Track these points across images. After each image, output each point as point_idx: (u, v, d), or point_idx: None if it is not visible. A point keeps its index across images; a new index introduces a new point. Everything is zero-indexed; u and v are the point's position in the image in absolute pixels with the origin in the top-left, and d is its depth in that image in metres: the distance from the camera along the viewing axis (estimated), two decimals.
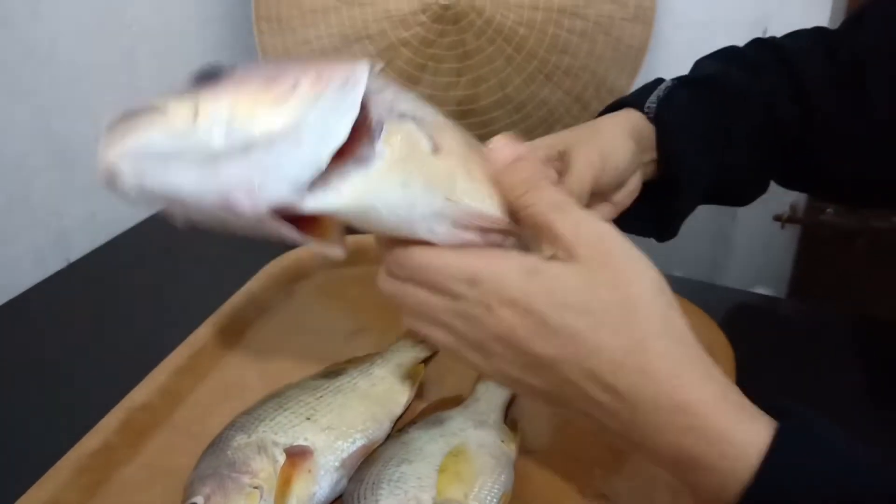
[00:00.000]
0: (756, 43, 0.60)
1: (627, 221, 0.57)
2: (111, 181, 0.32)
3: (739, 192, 0.61)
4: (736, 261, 1.02)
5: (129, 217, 0.80)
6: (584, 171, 0.47)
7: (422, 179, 0.34)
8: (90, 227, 0.79)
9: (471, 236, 0.35)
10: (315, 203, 0.33)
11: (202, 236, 0.78)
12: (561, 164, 0.48)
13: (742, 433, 0.31)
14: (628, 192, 0.52)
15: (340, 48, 0.89)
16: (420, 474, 0.43)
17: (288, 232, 0.34)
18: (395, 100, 0.35)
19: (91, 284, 0.71)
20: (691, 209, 0.58)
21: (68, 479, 0.45)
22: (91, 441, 0.47)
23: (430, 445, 0.46)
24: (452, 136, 0.37)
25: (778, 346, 0.61)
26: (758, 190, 0.61)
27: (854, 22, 0.58)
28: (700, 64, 0.60)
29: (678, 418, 0.32)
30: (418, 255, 0.36)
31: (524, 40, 0.85)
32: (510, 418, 0.51)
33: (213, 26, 0.96)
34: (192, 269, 0.74)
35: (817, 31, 0.59)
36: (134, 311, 0.67)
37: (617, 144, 0.50)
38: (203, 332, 0.58)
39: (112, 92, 0.82)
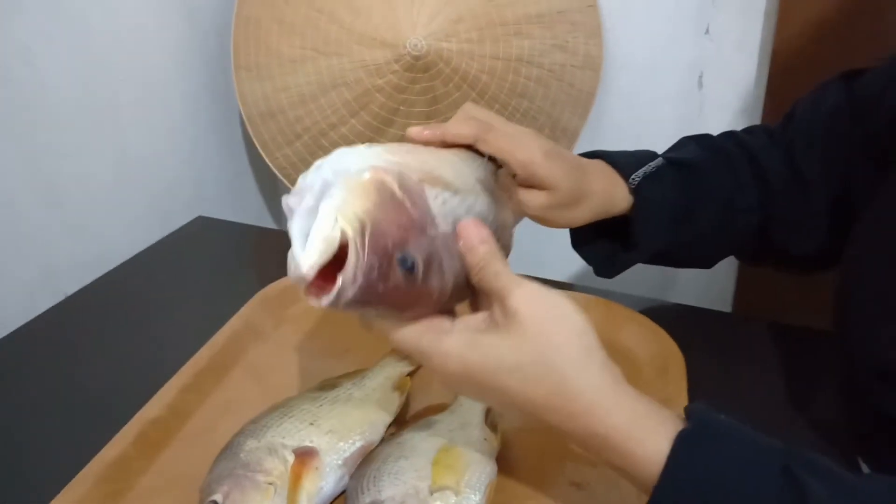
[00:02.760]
0: (727, 136, 0.67)
1: (582, 247, 0.65)
2: None
3: (686, 260, 0.68)
4: (684, 280, 1.11)
5: (118, 254, 0.84)
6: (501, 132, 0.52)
7: None
8: (79, 264, 0.82)
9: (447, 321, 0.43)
10: None
11: (191, 269, 0.83)
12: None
13: (647, 446, 0.39)
14: (583, 209, 0.58)
15: (318, 94, 0.95)
16: (416, 467, 0.49)
17: None
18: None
19: (86, 317, 0.75)
20: (633, 264, 0.64)
21: (91, 488, 0.49)
22: (110, 452, 0.52)
23: (422, 444, 0.52)
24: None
25: (723, 355, 0.68)
26: (704, 261, 0.69)
27: (788, 118, 0.66)
28: (684, 143, 0.67)
29: (596, 441, 0.40)
30: (389, 334, 0.43)
31: (487, 86, 0.93)
32: (490, 420, 0.57)
33: (193, 73, 1.01)
34: (186, 298, 0.78)
35: (769, 129, 0.67)
36: (134, 339, 0.71)
37: (590, 179, 0.58)
38: (204, 354, 0.62)
39: (98, 133, 0.86)
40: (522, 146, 0.53)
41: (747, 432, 0.39)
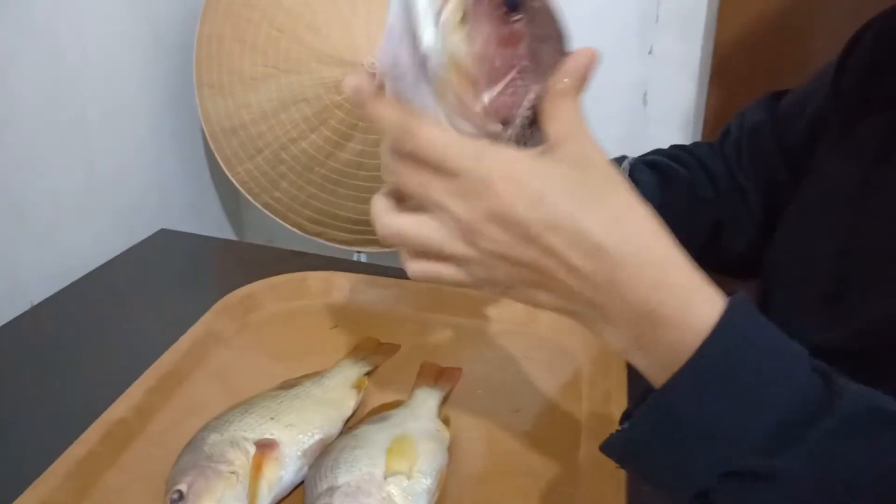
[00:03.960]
0: (676, 147, 0.72)
1: None
2: None
3: None
4: None
5: (84, 265, 0.86)
6: None
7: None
8: (46, 274, 0.84)
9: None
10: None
11: (155, 279, 0.85)
12: None
13: (705, 293, 0.36)
14: None
15: (278, 110, 0.99)
16: (370, 455, 0.52)
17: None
18: None
19: (53, 325, 0.76)
20: None
21: (59, 483, 0.51)
22: (77, 450, 0.54)
23: (377, 435, 0.55)
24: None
25: None
26: None
27: (725, 133, 0.72)
28: (649, 154, 0.73)
29: (655, 272, 0.36)
30: (428, 132, 0.38)
31: None
32: (443, 415, 0.61)
33: (157, 91, 1.04)
34: (150, 307, 0.80)
35: (711, 144, 0.73)
36: (100, 346, 0.73)
37: None
38: (168, 358, 0.65)
39: (66, 149, 0.88)
40: None
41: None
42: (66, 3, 0.85)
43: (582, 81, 0.39)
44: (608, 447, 0.40)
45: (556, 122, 0.38)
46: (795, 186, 0.62)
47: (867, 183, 0.53)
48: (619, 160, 0.68)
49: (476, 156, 0.37)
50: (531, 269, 0.38)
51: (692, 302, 0.36)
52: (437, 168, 0.38)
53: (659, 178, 0.67)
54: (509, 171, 0.37)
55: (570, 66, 0.39)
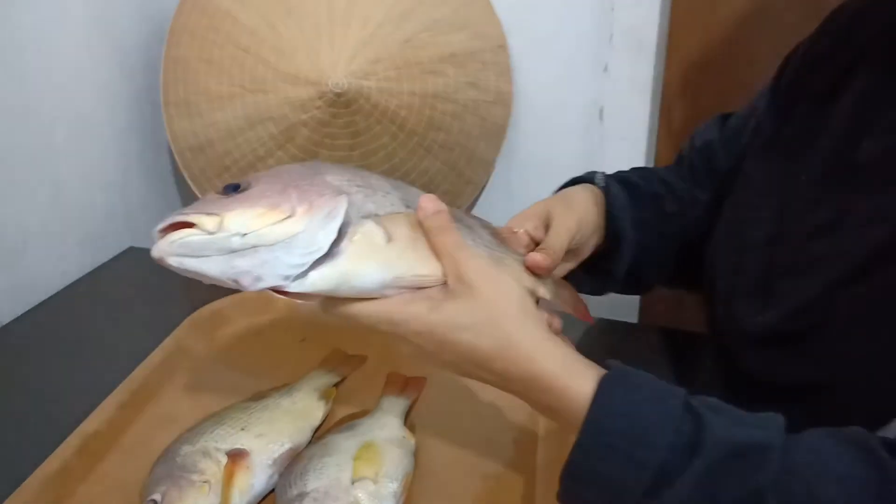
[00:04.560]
0: (639, 169, 0.77)
1: (580, 280, 0.71)
2: (161, 264, 0.46)
3: (643, 276, 0.74)
4: (599, 300, 1.19)
5: (53, 284, 0.87)
6: (563, 234, 0.61)
7: (375, 265, 0.47)
8: (15, 294, 0.85)
9: (411, 291, 0.49)
10: (296, 287, 0.46)
11: (124, 297, 0.87)
12: (543, 229, 0.62)
13: (576, 386, 0.46)
14: (588, 248, 0.66)
15: (245, 129, 1.01)
16: (339, 462, 0.54)
17: (277, 296, 0.47)
18: (364, 201, 0.49)
19: (23, 344, 0.78)
20: (621, 273, 0.70)
21: (35, 495, 0.53)
22: (52, 463, 0.55)
23: (345, 443, 0.57)
24: (403, 224, 0.50)
25: (624, 359, 0.76)
26: (648, 281, 0.76)
27: (680, 157, 0.76)
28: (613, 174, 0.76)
29: (536, 385, 0.47)
30: (350, 309, 0.49)
31: (406, 121, 1.00)
32: (409, 423, 0.63)
33: (124, 111, 1.05)
34: (120, 324, 0.82)
35: (672, 166, 0.77)
36: (71, 363, 0.74)
37: (589, 212, 0.65)
38: (139, 373, 0.66)
39: (32, 172, 0.89)
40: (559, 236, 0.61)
41: (656, 380, 0.46)
42: (31, 25, 0.86)
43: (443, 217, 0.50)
44: (559, 498, 0.47)
45: (448, 262, 0.49)
46: None
47: (787, 176, 0.59)
48: (591, 175, 0.71)
49: (391, 322, 0.49)
50: (465, 374, 0.51)
51: (569, 400, 0.46)
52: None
53: (629, 192, 0.70)
54: (419, 330, 0.48)
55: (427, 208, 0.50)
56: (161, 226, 0.46)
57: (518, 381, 0.48)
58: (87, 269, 0.92)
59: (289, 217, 0.45)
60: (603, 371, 0.47)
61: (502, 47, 1.07)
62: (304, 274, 0.46)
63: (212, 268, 0.45)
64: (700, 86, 1.11)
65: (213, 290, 0.80)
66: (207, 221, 0.45)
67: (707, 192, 0.72)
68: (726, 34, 1.06)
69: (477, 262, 0.50)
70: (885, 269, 0.48)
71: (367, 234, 0.48)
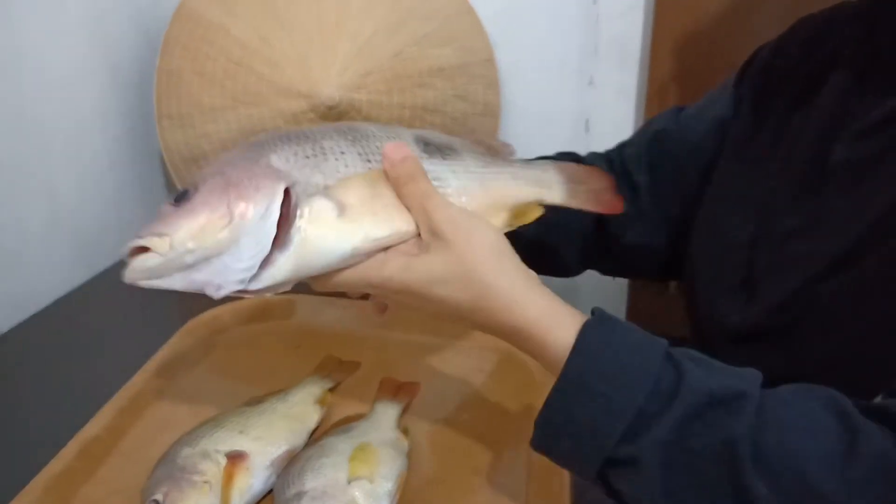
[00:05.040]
0: (559, 154, 0.79)
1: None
2: (133, 284, 0.49)
3: (554, 253, 0.76)
4: (583, 303, 1.22)
5: (49, 294, 0.88)
6: None
7: (331, 241, 0.48)
8: (12, 303, 0.86)
9: (382, 253, 0.50)
10: (257, 286, 0.48)
11: (121, 306, 0.88)
12: None
13: (557, 333, 0.46)
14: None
15: (238, 141, 1.02)
16: (335, 463, 0.56)
17: (248, 296, 0.49)
18: (311, 175, 0.49)
19: (22, 352, 0.79)
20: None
21: (38, 498, 0.54)
22: (55, 466, 0.57)
23: (341, 444, 0.59)
24: (356, 187, 0.49)
25: None
26: (569, 260, 0.78)
27: (621, 146, 0.79)
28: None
29: (515, 333, 0.48)
30: (332, 280, 0.50)
31: None
32: (402, 425, 0.65)
33: (118, 123, 1.07)
34: (117, 332, 0.83)
35: (599, 153, 0.80)
36: (69, 372, 0.76)
37: None
38: (138, 379, 0.68)
39: (27, 183, 0.90)
40: None
41: (638, 329, 0.47)
42: (25, 37, 0.88)
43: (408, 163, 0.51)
44: (532, 444, 0.49)
45: (420, 214, 0.50)
46: (700, 182, 0.70)
47: (764, 179, 0.62)
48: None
49: (369, 284, 0.51)
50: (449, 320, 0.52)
51: (550, 348, 0.47)
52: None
53: None
54: (397, 287, 0.49)
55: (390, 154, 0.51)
56: (125, 251, 0.48)
57: (499, 331, 0.49)
58: (83, 279, 0.93)
59: (229, 223, 0.47)
60: (584, 318, 0.47)
61: (490, 60, 1.09)
62: (259, 272, 0.47)
63: (176, 283, 0.48)
64: (683, 97, 1.15)
65: (208, 298, 0.81)
66: (159, 244, 0.47)
67: (647, 174, 0.74)
68: (709, 46, 1.10)
69: (447, 211, 0.49)
70: (860, 264, 0.50)
71: (315, 212, 0.48)
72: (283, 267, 0.48)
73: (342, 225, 0.48)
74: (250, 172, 0.49)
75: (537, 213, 0.56)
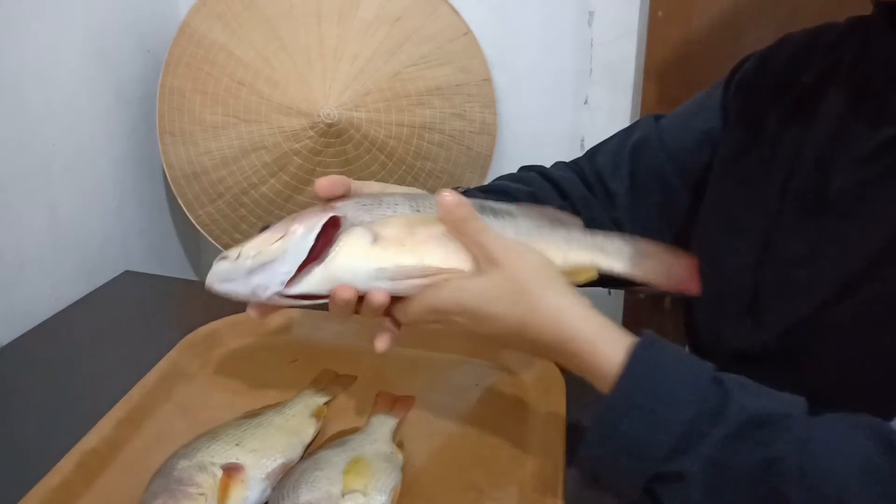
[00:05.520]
0: (525, 168, 0.80)
1: None
2: (210, 289, 0.58)
3: None
4: None
5: (50, 306, 0.89)
6: None
7: (359, 261, 0.55)
8: (13, 316, 0.87)
9: (405, 282, 0.54)
10: (293, 290, 0.55)
11: (120, 319, 0.89)
12: None
13: (608, 351, 0.48)
14: None
15: (239, 157, 1.04)
16: (329, 476, 0.57)
17: (286, 302, 0.57)
18: (359, 214, 0.56)
19: (22, 364, 0.79)
20: None
21: None
22: (52, 479, 0.57)
23: (335, 458, 0.60)
24: (394, 225, 0.56)
25: None
26: None
27: (591, 155, 0.79)
28: (495, 180, 0.80)
29: (566, 349, 0.50)
30: (403, 311, 0.55)
31: (394, 150, 1.04)
32: (398, 439, 0.66)
33: (120, 140, 1.08)
34: (116, 345, 0.84)
35: (568, 162, 0.81)
36: (68, 383, 0.76)
37: None
38: (136, 392, 0.69)
39: (30, 198, 0.91)
40: None
41: (686, 352, 0.49)
42: (31, 57, 0.89)
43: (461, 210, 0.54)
44: (579, 458, 0.50)
45: (475, 248, 0.53)
46: (683, 190, 0.72)
47: (760, 200, 0.62)
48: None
49: (431, 310, 0.54)
50: (504, 344, 0.55)
51: (600, 364, 0.48)
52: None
53: (494, 196, 0.71)
54: (453, 309, 0.53)
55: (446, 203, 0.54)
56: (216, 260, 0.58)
57: (548, 346, 0.50)
58: (84, 293, 0.94)
59: (283, 237, 0.56)
60: (632, 337, 0.49)
61: (487, 81, 1.11)
62: (297, 279, 0.55)
63: (238, 288, 0.57)
64: None
65: (207, 312, 0.83)
66: (232, 252, 0.58)
67: (624, 185, 0.74)
68: (701, 68, 1.11)
69: (500, 240, 0.53)
70: (867, 289, 0.51)
71: (350, 236, 0.55)
72: (316, 276, 0.55)
73: (371, 249, 0.55)
74: (317, 209, 0.57)
75: (588, 276, 0.59)
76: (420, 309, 0.54)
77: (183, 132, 1.06)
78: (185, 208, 1.09)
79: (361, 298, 0.55)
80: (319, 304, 0.56)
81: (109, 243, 1.06)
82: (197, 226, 1.09)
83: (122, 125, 1.08)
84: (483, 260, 0.53)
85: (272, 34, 1.01)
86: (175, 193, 1.09)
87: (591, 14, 1.09)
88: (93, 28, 1.00)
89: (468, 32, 1.09)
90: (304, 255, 0.55)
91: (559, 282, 0.52)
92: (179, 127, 1.06)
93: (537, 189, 0.75)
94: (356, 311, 0.56)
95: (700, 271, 0.67)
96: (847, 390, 0.52)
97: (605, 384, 0.48)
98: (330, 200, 0.58)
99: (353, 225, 0.56)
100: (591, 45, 1.10)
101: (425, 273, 0.54)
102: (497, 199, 0.71)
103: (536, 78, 1.15)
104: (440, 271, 0.54)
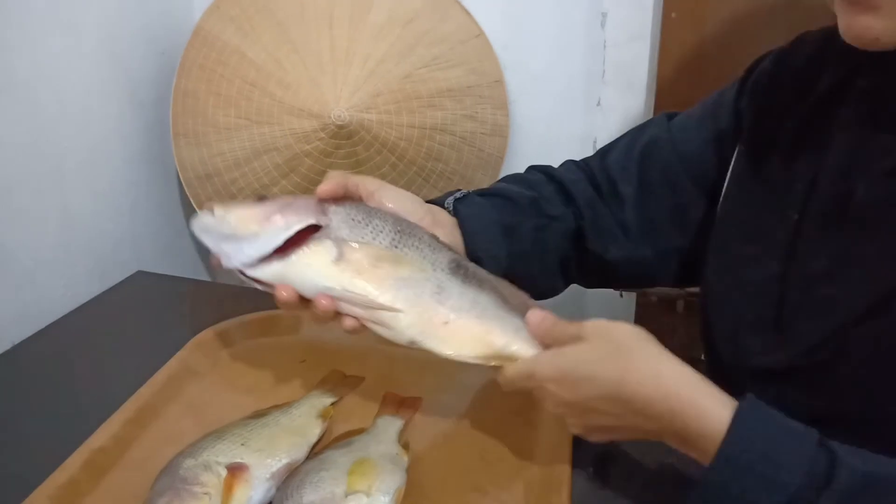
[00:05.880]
0: (532, 168, 0.78)
1: None
2: (192, 230, 0.60)
3: (532, 282, 0.72)
4: (589, 318, 1.22)
5: (62, 306, 0.90)
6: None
7: (315, 272, 0.57)
8: (26, 316, 0.88)
9: (346, 307, 0.57)
10: (253, 273, 0.58)
11: (132, 318, 0.90)
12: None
13: (712, 407, 0.48)
14: None
15: (251, 158, 1.04)
16: (334, 476, 0.57)
17: (242, 277, 0.58)
18: (340, 228, 0.58)
19: (34, 363, 0.80)
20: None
21: None
22: (59, 476, 0.58)
23: (340, 458, 0.59)
24: (362, 253, 0.57)
25: None
26: (549, 284, 0.77)
27: (602, 154, 0.78)
28: (496, 183, 0.78)
29: (664, 406, 0.49)
30: (501, 374, 0.57)
31: (405, 151, 1.04)
32: (403, 441, 0.66)
33: (133, 141, 1.09)
34: (127, 344, 0.84)
35: (578, 162, 0.79)
36: (78, 382, 0.77)
37: (454, 234, 0.67)
38: (145, 391, 0.69)
39: (44, 199, 0.92)
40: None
41: (787, 417, 0.48)
42: (45, 60, 0.90)
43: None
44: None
45: (569, 338, 0.54)
46: (695, 191, 0.70)
47: (780, 211, 0.60)
48: (445, 197, 0.71)
49: (529, 377, 0.55)
50: (604, 427, 0.55)
51: (701, 403, 0.49)
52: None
53: (494, 202, 0.71)
54: (547, 376, 0.54)
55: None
56: (205, 207, 0.60)
57: (648, 403, 0.49)
58: (96, 293, 0.95)
59: (262, 223, 0.57)
60: (732, 400, 0.48)
61: (499, 82, 1.11)
62: (258, 264, 0.57)
63: (209, 244, 0.58)
64: None
65: (217, 313, 0.83)
66: (218, 211, 0.59)
67: (635, 187, 0.73)
68: (714, 70, 1.10)
69: (590, 321, 0.54)
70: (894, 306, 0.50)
71: (317, 247, 0.57)
72: (273, 269, 0.57)
73: (329, 266, 0.57)
74: (307, 206, 0.59)
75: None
76: (515, 374, 0.56)
77: (196, 134, 1.06)
78: (197, 209, 1.09)
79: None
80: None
81: (122, 244, 1.07)
82: None
83: (136, 127, 1.09)
84: (577, 337, 0.53)
85: (284, 37, 1.02)
86: (188, 195, 1.09)
87: (604, 16, 1.09)
88: (106, 31, 1.01)
89: (480, 34, 1.09)
90: (271, 249, 0.57)
91: (654, 341, 0.52)
92: (193, 129, 1.07)
93: (541, 193, 0.74)
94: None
95: (717, 279, 0.66)
96: (869, 412, 0.51)
97: (707, 444, 0.47)
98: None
99: (327, 237, 0.57)
100: (604, 46, 1.10)
101: (367, 305, 0.57)
102: (497, 200, 0.71)
103: (549, 80, 1.15)
104: (381, 307, 0.57)
